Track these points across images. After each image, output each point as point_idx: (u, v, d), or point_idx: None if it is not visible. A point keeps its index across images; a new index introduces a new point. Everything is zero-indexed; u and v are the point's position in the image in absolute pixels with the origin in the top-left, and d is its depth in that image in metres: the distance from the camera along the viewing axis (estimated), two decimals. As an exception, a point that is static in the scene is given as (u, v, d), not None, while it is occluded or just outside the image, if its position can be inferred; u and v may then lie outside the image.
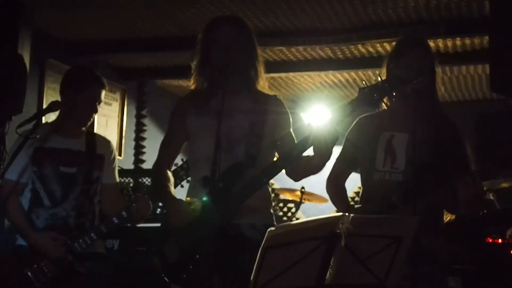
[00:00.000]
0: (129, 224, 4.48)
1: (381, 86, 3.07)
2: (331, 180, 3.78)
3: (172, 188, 3.48)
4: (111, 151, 4.21)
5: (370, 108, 3.19)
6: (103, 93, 4.12)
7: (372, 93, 3.06)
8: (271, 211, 3.51)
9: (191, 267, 3.21)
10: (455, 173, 3.28)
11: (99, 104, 4.09)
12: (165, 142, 3.63)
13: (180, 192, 3.65)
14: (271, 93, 3.56)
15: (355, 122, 3.69)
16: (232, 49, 3.39)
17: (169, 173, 3.55)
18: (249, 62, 3.46)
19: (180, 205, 3.32)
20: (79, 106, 4.01)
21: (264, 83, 3.53)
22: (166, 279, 3.32)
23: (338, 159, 3.72)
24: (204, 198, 3.17)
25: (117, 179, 4.28)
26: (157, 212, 5.48)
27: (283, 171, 3.34)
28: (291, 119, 3.53)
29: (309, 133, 3.12)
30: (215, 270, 3.17)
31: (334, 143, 3.08)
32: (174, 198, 3.40)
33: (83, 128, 4.12)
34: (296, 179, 3.52)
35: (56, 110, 3.91)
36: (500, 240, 5.41)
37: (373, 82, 3.12)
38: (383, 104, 3.42)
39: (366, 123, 3.68)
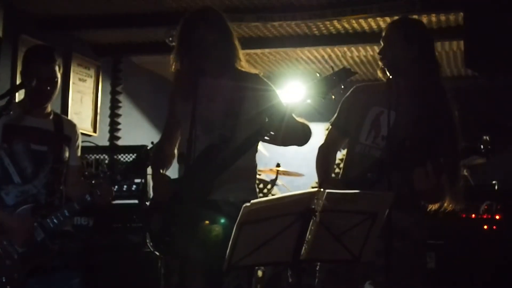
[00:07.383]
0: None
1: (329, 79, 3.21)
2: (321, 148, 3.76)
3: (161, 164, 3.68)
4: (77, 134, 4.20)
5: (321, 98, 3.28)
6: (54, 69, 4.02)
7: (321, 85, 3.20)
8: (253, 185, 3.61)
9: (167, 238, 3.40)
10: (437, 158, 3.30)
11: (54, 81, 4.01)
12: (166, 123, 3.84)
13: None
14: (253, 71, 3.62)
15: (352, 89, 3.68)
16: (210, 46, 3.48)
17: (169, 150, 3.73)
18: (226, 45, 3.54)
19: (162, 181, 3.54)
20: (33, 85, 3.94)
21: (244, 62, 3.61)
22: (149, 245, 3.53)
23: (332, 125, 3.72)
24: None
25: (80, 162, 4.31)
26: (133, 189, 5.48)
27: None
28: (271, 96, 3.55)
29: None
30: (191, 243, 3.27)
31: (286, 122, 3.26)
32: (159, 174, 3.61)
33: (49, 109, 4.08)
34: (279, 145, 3.56)
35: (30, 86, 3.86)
36: (474, 216, 5.46)
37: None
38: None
39: (361, 92, 3.68)
